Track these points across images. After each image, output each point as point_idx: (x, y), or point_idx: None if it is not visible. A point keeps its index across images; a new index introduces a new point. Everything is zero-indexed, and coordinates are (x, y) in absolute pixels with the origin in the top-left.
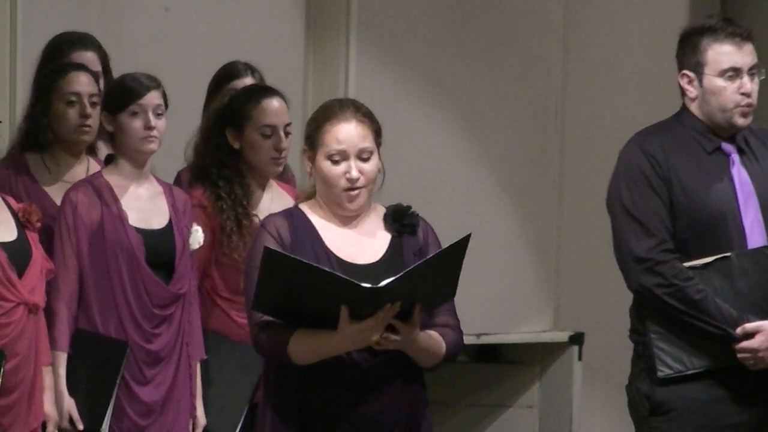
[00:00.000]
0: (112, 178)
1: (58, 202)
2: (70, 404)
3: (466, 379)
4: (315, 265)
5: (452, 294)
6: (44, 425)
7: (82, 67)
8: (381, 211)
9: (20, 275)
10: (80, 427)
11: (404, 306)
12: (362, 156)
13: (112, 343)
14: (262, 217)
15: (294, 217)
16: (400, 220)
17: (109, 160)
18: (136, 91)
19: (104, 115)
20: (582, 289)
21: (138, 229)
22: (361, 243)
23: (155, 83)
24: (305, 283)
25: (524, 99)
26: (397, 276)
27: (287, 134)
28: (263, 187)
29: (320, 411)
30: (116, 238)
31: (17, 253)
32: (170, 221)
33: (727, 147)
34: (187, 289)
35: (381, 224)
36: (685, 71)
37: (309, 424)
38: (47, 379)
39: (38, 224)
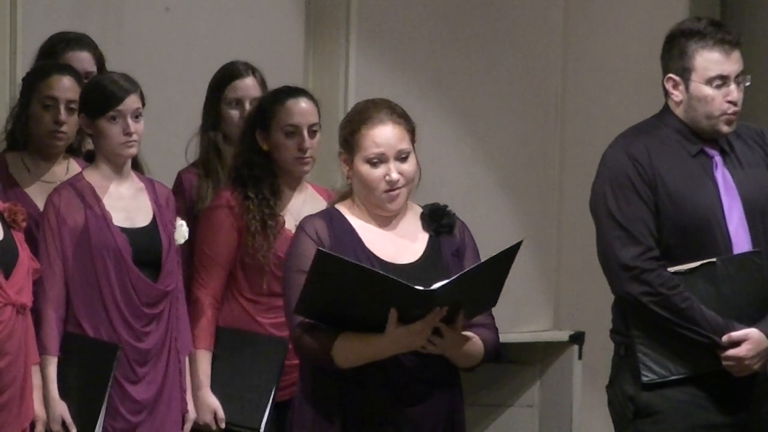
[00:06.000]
0: (93, 178)
1: (38, 202)
2: (62, 408)
3: (466, 379)
4: (369, 267)
5: (494, 303)
6: (33, 425)
7: (67, 70)
8: (417, 210)
9: (7, 276)
10: (73, 431)
11: (449, 310)
12: (400, 157)
13: (102, 346)
14: (291, 218)
15: (332, 218)
16: (438, 220)
17: (90, 156)
18: (115, 96)
19: (82, 118)
20: (582, 289)
21: (123, 229)
22: (399, 243)
23: (133, 86)
24: (355, 286)
25: (524, 99)
26: (450, 279)
27: (313, 134)
28: (294, 188)
29: (362, 412)
30: (101, 239)
31: (3, 254)
32: (154, 218)
33: (710, 150)
34: (175, 286)
35: (418, 224)
36: (671, 75)
37: (351, 425)
38: (36, 378)
39: (24, 224)
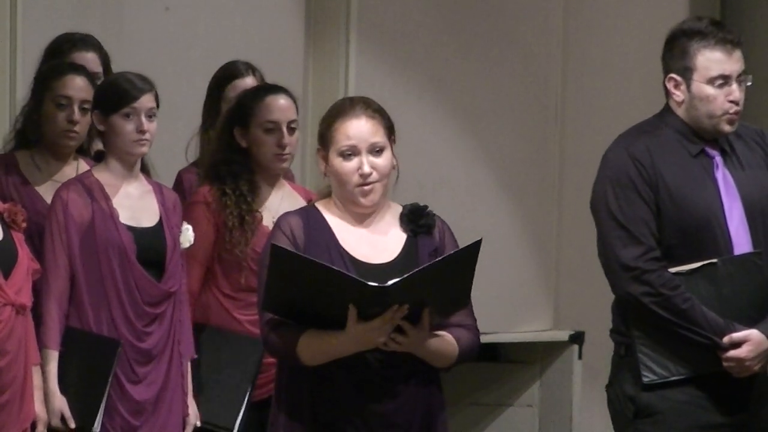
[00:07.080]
0: (102, 176)
1: (49, 200)
2: (61, 403)
3: (466, 378)
4: (321, 262)
5: (465, 302)
6: (34, 425)
7: (81, 71)
8: (397, 209)
9: (6, 276)
10: (72, 425)
11: (415, 309)
12: (374, 151)
13: (103, 342)
14: (268, 214)
15: (309, 215)
16: (416, 221)
17: (99, 157)
18: (130, 93)
19: (96, 114)
20: (582, 289)
21: (129, 227)
22: (376, 243)
23: (149, 86)
24: (313, 282)
25: (524, 99)
26: (404, 276)
27: (292, 131)
28: (272, 185)
29: (333, 411)
30: (107, 235)
31: (3, 254)
32: (160, 220)
33: (711, 150)
34: (178, 288)
35: (397, 223)
36: (673, 75)
37: (322, 424)
38: (36, 378)
39: (24, 224)
